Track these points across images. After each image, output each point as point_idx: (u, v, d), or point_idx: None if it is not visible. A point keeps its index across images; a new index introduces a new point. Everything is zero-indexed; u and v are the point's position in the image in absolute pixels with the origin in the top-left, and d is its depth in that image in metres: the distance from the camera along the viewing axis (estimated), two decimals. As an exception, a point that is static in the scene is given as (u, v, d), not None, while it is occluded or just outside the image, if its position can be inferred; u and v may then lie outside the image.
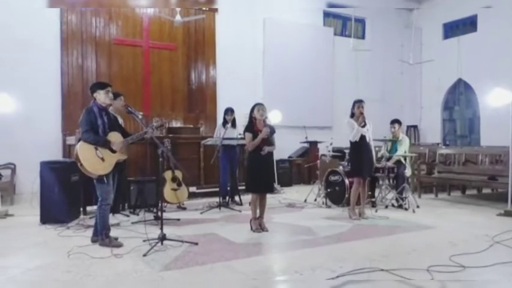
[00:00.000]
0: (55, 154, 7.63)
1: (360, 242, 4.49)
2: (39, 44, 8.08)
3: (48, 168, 5.34)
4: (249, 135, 4.87)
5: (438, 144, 11.45)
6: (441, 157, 8.32)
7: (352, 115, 5.73)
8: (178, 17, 8.49)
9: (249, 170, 4.98)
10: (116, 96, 4.99)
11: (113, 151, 4.21)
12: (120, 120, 5.06)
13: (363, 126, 5.62)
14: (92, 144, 4.10)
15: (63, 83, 8.39)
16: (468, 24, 11.66)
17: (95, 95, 4.25)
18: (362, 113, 5.61)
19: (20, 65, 7.81)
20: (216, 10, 9.95)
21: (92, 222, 4.74)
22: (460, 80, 11.77)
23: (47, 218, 5.25)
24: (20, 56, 7.84)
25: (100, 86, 4.32)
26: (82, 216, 5.71)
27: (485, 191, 8.36)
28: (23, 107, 6.96)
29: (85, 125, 4.13)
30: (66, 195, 5.32)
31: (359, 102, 5.69)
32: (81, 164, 4.07)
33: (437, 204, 7.02)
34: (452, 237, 4.56)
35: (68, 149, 7.75)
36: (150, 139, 4.44)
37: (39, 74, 8.03)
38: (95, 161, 4.10)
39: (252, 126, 4.91)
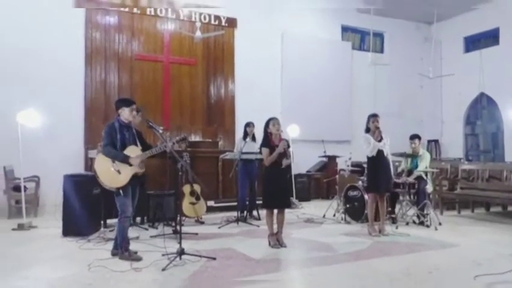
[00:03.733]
0: (77, 167, 7.81)
1: (381, 259, 4.40)
2: (64, 60, 8.34)
3: (71, 181, 5.47)
4: (266, 150, 4.88)
5: (460, 159, 11.20)
6: (463, 173, 8.12)
7: (367, 130, 5.69)
8: (198, 33, 8.66)
9: (266, 185, 4.98)
10: (137, 111, 5.04)
11: (131, 165, 4.29)
12: None
13: (380, 141, 5.56)
14: (110, 158, 4.20)
15: (86, 97, 8.63)
16: (490, 38, 11.48)
17: (119, 111, 4.37)
18: (377, 127, 5.56)
19: (45, 80, 8.06)
20: (235, 26, 10.12)
21: (112, 235, 4.81)
22: (482, 94, 11.54)
23: (68, 230, 5.34)
24: (45, 72, 8.09)
25: (126, 103, 4.43)
26: (102, 229, 5.78)
27: (510, 208, 8.10)
28: (47, 121, 7.12)
29: (105, 139, 4.28)
30: (87, 208, 5.42)
31: (373, 117, 5.65)
32: (97, 177, 4.18)
33: (460, 222, 6.84)
34: (476, 257, 4.43)
35: (90, 163, 7.91)
36: (169, 153, 4.50)
37: (63, 89, 8.27)
38: (111, 174, 4.19)
39: (268, 141, 4.92)
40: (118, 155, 4.23)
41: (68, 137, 8.21)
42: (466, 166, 8.34)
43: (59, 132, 7.93)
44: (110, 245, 4.56)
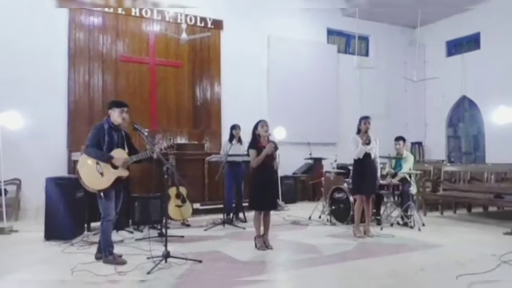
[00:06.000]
0: (60, 170, 7.66)
1: (366, 260, 4.44)
2: (47, 61, 8.19)
3: (54, 184, 5.37)
4: (253, 152, 4.89)
5: (443, 161, 11.38)
6: (446, 174, 8.26)
7: (358, 131, 5.74)
8: (184, 35, 8.61)
9: (253, 187, 4.98)
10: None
11: (115, 167, 4.23)
12: None
13: (368, 144, 5.62)
14: (94, 159, 4.14)
15: (69, 99, 8.48)
16: (471, 42, 11.73)
17: (110, 111, 4.31)
18: (366, 131, 5.61)
19: (27, 81, 7.90)
20: (221, 28, 10.11)
21: (96, 238, 4.75)
22: (464, 97, 11.78)
23: (51, 234, 5.24)
24: (28, 73, 7.93)
25: (117, 104, 4.39)
26: (86, 232, 5.70)
27: (492, 209, 8.28)
28: (29, 123, 7.01)
29: (91, 140, 4.20)
30: (71, 211, 5.32)
31: (365, 119, 5.71)
32: (80, 178, 4.11)
33: (443, 223, 6.95)
34: (458, 257, 4.51)
35: (73, 165, 7.78)
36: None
37: (46, 91, 8.12)
38: (93, 176, 4.13)
39: (255, 143, 4.94)
40: (99, 155, 4.16)
41: (51, 139, 8.05)
42: (449, 168, 8.49)
43: (41, 134, 7.77)
44: (94, 249, 4.49)
